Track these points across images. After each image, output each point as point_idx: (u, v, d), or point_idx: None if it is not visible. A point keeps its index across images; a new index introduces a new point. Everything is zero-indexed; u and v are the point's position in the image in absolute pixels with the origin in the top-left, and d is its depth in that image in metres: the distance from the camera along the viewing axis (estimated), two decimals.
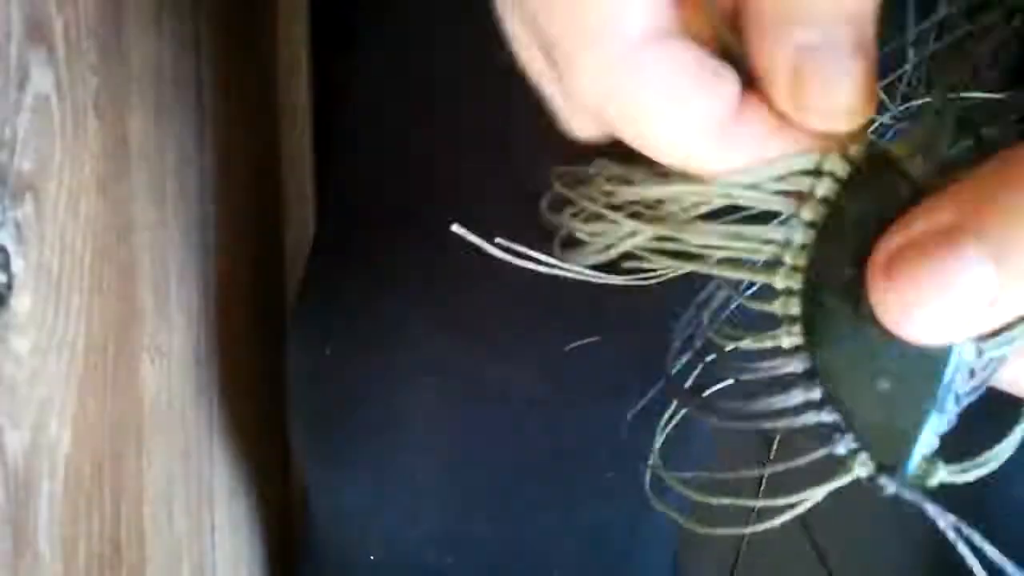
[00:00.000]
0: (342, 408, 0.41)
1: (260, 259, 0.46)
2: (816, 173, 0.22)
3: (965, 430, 0.23)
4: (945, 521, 0.23)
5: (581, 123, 0.24)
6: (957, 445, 0.23)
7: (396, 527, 0.42)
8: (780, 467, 0.24)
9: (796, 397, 0.23)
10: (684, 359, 0.26)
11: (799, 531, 0.58)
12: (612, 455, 0.41)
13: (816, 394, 0.23)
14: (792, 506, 0.23)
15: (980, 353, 0.21)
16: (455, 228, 0.26)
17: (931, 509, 0.22)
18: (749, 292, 0.25)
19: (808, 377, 0.23)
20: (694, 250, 0.24)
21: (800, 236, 0.23)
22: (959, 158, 0.23)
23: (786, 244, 0.23)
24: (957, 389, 0.22)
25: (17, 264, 0.42)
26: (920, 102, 0.29)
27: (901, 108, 0.30)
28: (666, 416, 0.26)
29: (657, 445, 0.27)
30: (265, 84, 0.45)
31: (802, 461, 0.23)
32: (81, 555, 0.44)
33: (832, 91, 0.21)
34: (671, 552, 0.47)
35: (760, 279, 0.23)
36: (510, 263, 0.26)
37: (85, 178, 0.43)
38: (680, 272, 0.25)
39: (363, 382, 0.41)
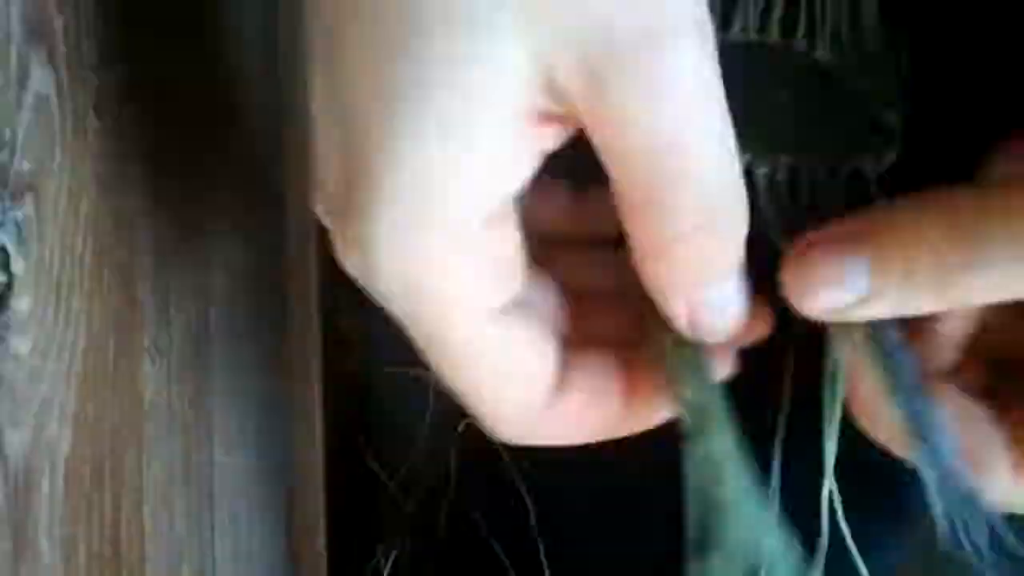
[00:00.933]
0: None
1: (260, 259, 0.46)
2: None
3: None
4: None
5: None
6: None
7: None
8: None
9: None
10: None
11: None
12: None
13: None
14: None
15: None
16: None
17: None
18: None
19: None
20: None
21: None
22: None
23: None
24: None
25: (17, 264, 0.42)
26: None
27: None
28: None
29: None
30: (266, 84, 0.45)
31: None
32: (81, 555, 0.44)
33: (725, 323, 0.26)
34: None
35: None
36: None
37: (85, 178, 0.43)
38: None
39: None
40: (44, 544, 0.43)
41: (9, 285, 0.42)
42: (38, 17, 0.41)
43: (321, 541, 0.46)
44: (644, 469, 0.37)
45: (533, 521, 0.39)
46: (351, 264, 0.26)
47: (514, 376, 0.26)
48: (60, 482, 0.43)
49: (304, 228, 0.46)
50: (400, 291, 0.26)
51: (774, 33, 0.31)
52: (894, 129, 0.31)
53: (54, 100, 0.42)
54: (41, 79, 0.42)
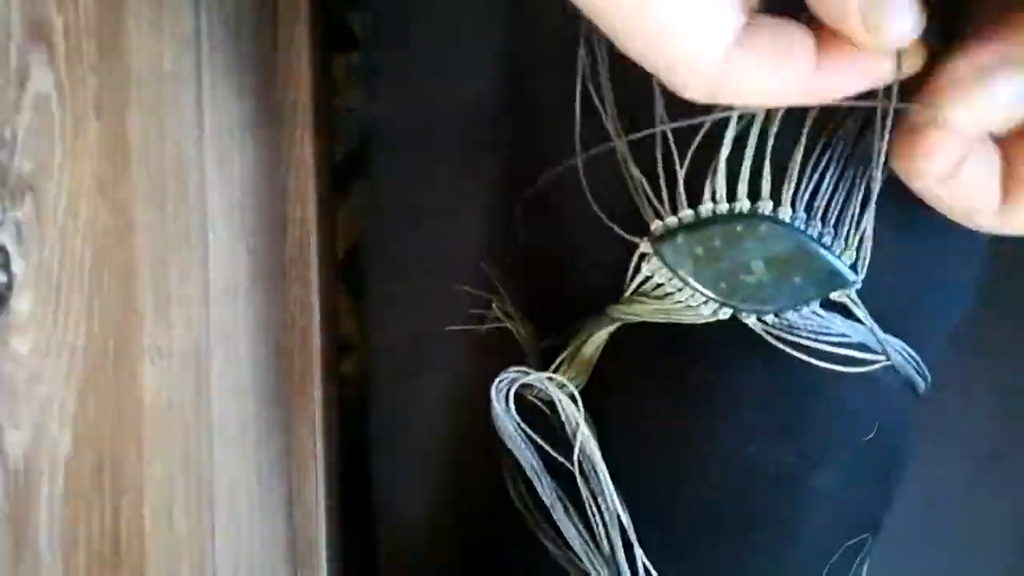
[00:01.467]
0: None
1: (260, 259, 0.46)
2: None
3: None
4: None
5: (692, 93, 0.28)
6: None
7: None
8: None
9: None
10: None
11: None
12: None
13: None
14: None
15: None
16: None
17: None
18: None
19: None
20: None
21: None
22: None
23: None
24: None
25: (17, 264, 0.42)
26: None
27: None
28: None
29: None
30: (265, 84, 0.45)
31: None
32: (81, 555, 0.44)
33: (897, 17, 0.26)
34: None
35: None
36: None
37: (85, 178, 0.43)
38: None
39: None
40: (44, 544, 0.43)
41: (9, 285, 0.42)
42: (38, 17, 0.41)
43: (321, 541, 0.46)
44: None
45: (533, 515, 0.40)
46: None
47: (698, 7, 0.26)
48: (60, 482, 0.43)
49: (304, 228, 0.46)
50: None
51: (743, 199, 0.34)
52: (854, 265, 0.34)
53: (54, 100, 0.42)
54: (41, 79, 0.42)
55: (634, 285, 0.37)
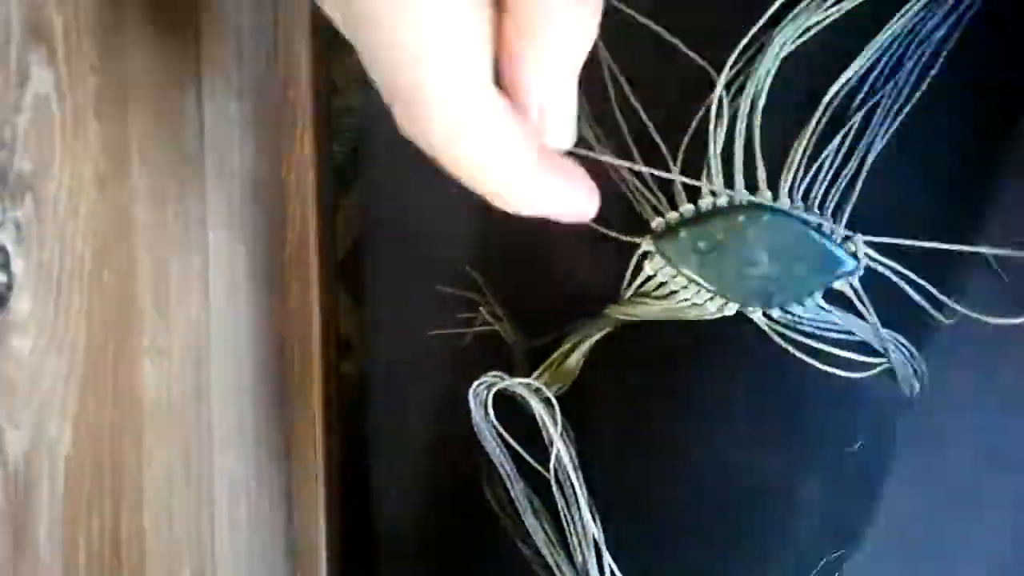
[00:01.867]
0: None
1: (260, 259, 0.46)
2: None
3: None
4: None
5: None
6: None
7: None
8: None
9: None
10: None
11: None
12: None
13: None
14: None
15: None
16: None
17: None
18: None
19: None
20: None
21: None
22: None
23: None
24: None
25: (17, 264, 0.42)
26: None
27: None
28: None
29: None
30: (266, 84, 0.45)
31: None
32: (81, 555, 0.44)
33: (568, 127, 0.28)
34: None
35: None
36: None
37: (85, 178, 0.43)
38: None
39: None
40: (44, 544, 0.43)
41: (9, 285, 0.42)
42: (38, 17, 0.41)
43: (321, 541, 0.46)
44: None
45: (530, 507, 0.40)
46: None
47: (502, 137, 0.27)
48: (60, 482, 0.43)
49: (304, 228, 0.46)
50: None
51: (741, 190, 0.35)
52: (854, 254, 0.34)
53: (54, 100, 0.42)
54: (41, 79, 0.42)
55: (635, 286, 0.37)
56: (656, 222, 0.36)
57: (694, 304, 0.36)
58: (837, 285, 0.34)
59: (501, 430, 0.38)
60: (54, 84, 0.42)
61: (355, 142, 0.52)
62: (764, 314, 0.35)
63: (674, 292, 0.36)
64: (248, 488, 0.46)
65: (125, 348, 0.44)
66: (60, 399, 0.43)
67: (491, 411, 0.38)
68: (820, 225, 0.34)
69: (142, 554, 0.44)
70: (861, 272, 0.34)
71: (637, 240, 0.36)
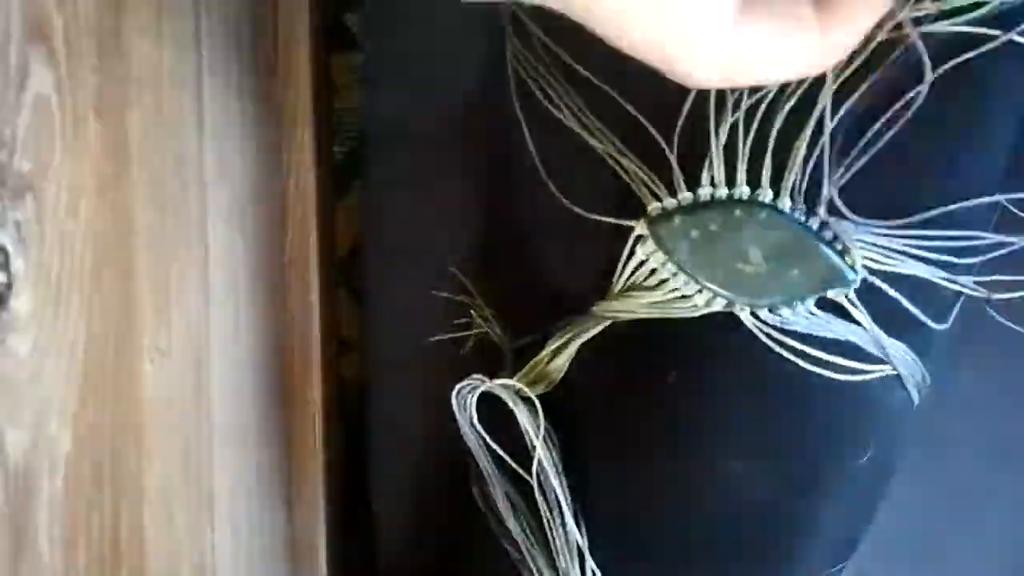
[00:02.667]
0: None
1: (260, 259, 0.46)
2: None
3: None
4: None
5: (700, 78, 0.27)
6: None
7: None
8: None
9: None
10: None
11: None
12: None
13: None
14: None
15: None
16: None
17: None
18: None
19: None
20: None
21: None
22: None
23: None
24: None
25: (17, 264, 0.42)
26: None
27: None
28: None
29: None
30: (265, 84, 0.45)
31: None
32: (81, 555, 0.44)
33: None
34: None
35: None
36: None
37: (85, 178, 0.43)
38: None
39: None
40: (44, 544, 0.43)
41: (9, 285, 0.42)
42: (38, 17, 0.42)
43: (321, 541, 0.46)
44: None
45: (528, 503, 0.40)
46: None
47: None
48: (60, 482, 0.43)
49: (304, 228, 0.46)
50: None
51: (742, 186, 0.34)
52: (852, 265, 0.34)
53: (54, 100, 0.42)
54: (41, 79, 0.42)
55: (627, 273, 0.36)
56: (652, 207, 0.35)
57: (683, 296, 0.35)
58: (831, 294, 0.34)
59: (484, 434, 0.38)
60: (54, 84, 0.42)
61: (355, 142, 0.52)
62: (753, 314, 0.35)
63: (664, 281, 0.36)
64: (248, 488, 0.46)
65: (125, 348, 0.43)
66: (60, 399, 0.43)
67: (475, 413, 0.38)
68: (821, 231, 0.34)
69: (142, 554, 0.44)
70: (857, 285, 0.33)
71: (632, 223, 0.36)
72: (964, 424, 0.43)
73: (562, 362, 0.38)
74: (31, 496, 0.43)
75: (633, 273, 0.36)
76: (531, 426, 0.37)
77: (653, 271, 0.36)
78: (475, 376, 0.38)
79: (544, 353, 0.39)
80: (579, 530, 0.36)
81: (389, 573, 0.47)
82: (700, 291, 0.35)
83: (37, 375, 0.42)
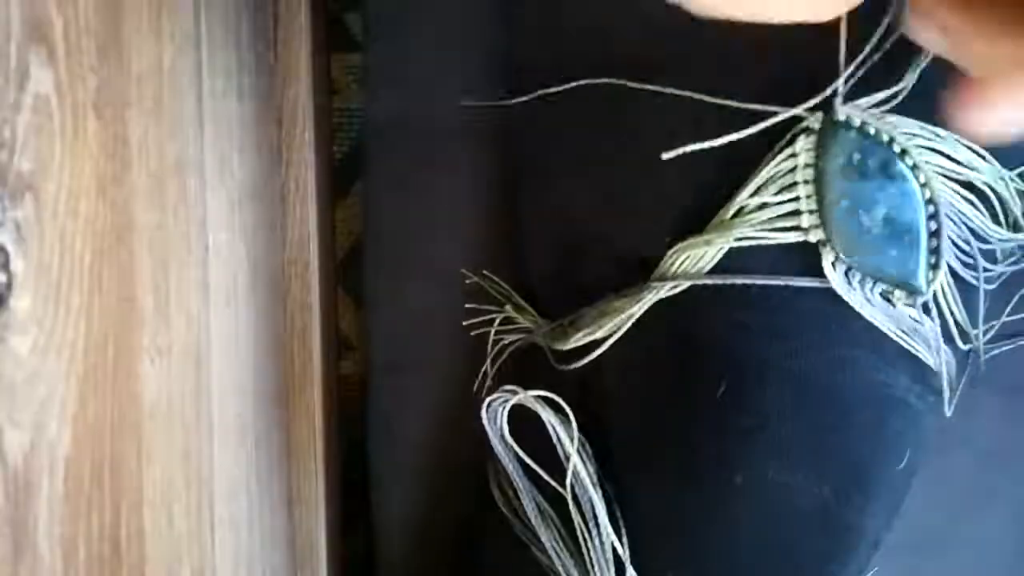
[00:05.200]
0: None
1: (260, 259, 0.46)
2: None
3: None
4: None
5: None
6: None
7: None
8: None
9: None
10: None
11: None
12: None
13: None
14: None
15: None
16: None
17: None
18: None
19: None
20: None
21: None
22: None
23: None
24: None
25: (17, 264, 0.42)
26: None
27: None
28: None
29: None
30: (265, 84, 0.45)
31: None
32: (81, 555, 0.44)
33: None
34: None
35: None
36: None
37: (85, 178, 0.43)
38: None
39: None
40: (44, 544, 0.43)
41: (9, 285, 0.42)
42: (38, 17, 0.41)
43: (321, 541, 0.46)
44: None
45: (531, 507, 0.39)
46: None
47: None
48: (60, 482, 0.43)
49: (304, 228, 0.46)
50: None
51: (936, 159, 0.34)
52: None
53: (54, 100, 0.42)
54: (41, 79, 0.42)
55: (763, 174, 0.35)
56: (840, 104, 0.33)
57: (791, 213, 0.34)
58: (896, 295, 0.34)
59: (517, 448, 0.37)
60: (54, 84, 0.42)
61: (355, 142, 0.52)
62: (834, 262, 0.34)
63: (790, 186, 0.34)
64: (248, 488, 0.46)
65: (125, 348, 0.44)
66: (60, 399, 0.43)
67: (506, 426, 0.37)
68: (936, 244, 0.33)
69: (142, 554, 0.44)
70: (920, 302, 0.34)
71: (807, 113, 0.34)
72: (964, 424, 0.43)
73: (606, 331, 0.37)
74: (31, 496, 0.43)
75: (769, 176, 0.35)
76: (565, 436, 0.36)
77: (790, 171, 0.34)
78: (506, 387, 0.37)
79: (592, 309, 0.37)
80: (619, 540, 0.36)
81: (389, 573, 0.47)
82: (813, 212, 0.34)
83: (37, 375, 0.42)
